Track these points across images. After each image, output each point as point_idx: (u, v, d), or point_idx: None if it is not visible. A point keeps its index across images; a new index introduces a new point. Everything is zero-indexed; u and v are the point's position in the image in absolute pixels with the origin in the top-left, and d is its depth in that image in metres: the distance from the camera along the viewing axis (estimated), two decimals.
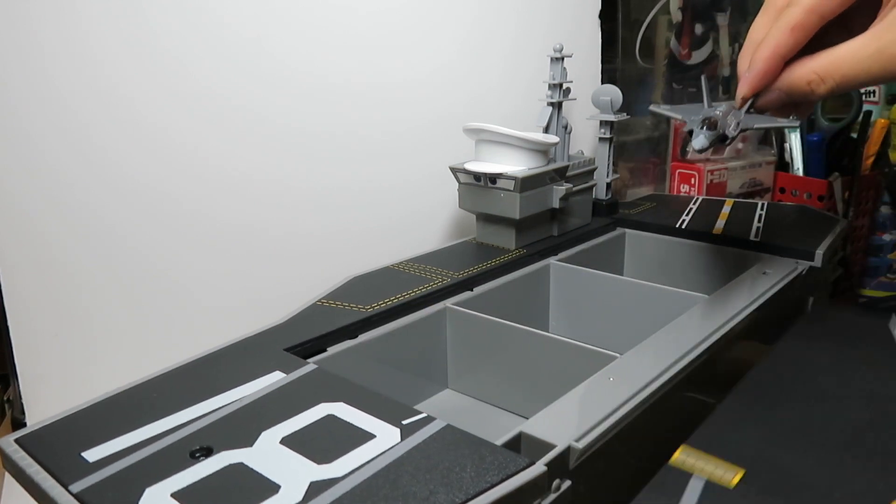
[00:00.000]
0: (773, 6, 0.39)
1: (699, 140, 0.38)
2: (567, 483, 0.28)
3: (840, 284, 0.72)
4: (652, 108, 0.45)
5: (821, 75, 0.37)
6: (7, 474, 0.29)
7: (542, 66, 0.60)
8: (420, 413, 0.30)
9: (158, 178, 0.53)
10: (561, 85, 0.59)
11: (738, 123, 0.39)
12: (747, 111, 0.40)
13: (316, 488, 0.25)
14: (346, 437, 0.28)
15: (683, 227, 0.59)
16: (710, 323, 0.39)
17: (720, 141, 0.39)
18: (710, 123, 0.39)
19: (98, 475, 0.26)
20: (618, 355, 0.37)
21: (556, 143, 0.56)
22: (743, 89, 0.39)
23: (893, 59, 0.35)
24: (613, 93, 0.62)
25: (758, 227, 0.58)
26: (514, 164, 0.53)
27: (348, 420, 0.29)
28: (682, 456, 0.33)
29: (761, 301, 0.43)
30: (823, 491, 0.31)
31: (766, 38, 0.38)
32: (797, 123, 0.41)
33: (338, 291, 0.45)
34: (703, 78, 0.47)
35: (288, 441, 0.28)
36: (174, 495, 0.25)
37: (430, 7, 0.63)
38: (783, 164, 0.77)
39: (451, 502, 0.24)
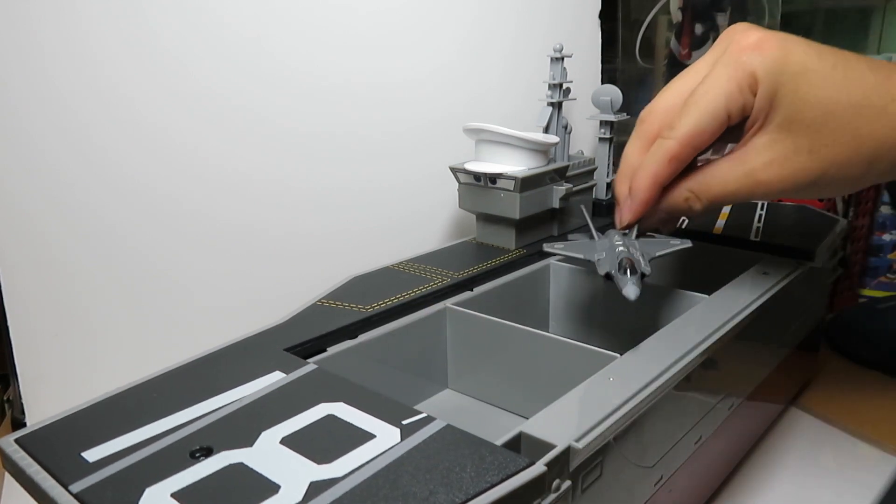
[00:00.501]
0: (644, 135, 0.41)
1: (633, 290, 0.38)
2: (567, 483, 0.28)
3: (840, 284, 0.72)
4: (545, 247, 0.46)
5: (696, 194, 0.40)
6: (7, 474, 0.29)
7: (542, 66, 0.60)
8: (420, 413, 0.30)
9: (158, 178, 0.53)
10: (561, 85, 0.59)
11: (644, 255, 0.41)
12: (637, 235, 0.43)
13: (316, 488, 0.25)
14: (346, 437, 0.28)
15: (683, 227, 0.59)
16: (710, 323, 0.39)
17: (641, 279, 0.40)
18: (630, 266, 0.39)
19: (98, 475, 0.26)
20: (618, 355, 0.37)
21: (556, 143, 0.56)
22: (626, 217, 0.42)
23: (758, 185, 0.38)
24: (613, 93, 0.62)
25: (758, 227, 0.58)
26: (514, 164, 0.53)
27: (348, 420, 0.29)
28: None
29: (761, 301, 0.43)
30: None
31: (644, 166, 0.40)
32: (689, 244, 0.43)
33: (338, 291, 0.45)
34: (582, 207, 0.48)
35: (288, 441, 0.28)
36: (174, 495, 0.25)
37: (430, 7, 0.63)
38: None
39: (451, 502, 0.24)
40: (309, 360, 0.36)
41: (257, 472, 0.26)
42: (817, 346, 0.60)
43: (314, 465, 0.26)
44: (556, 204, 0.56)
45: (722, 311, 0.41)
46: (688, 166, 0.41)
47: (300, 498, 0.24)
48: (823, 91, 0.36)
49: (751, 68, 0.37)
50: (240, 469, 0.26)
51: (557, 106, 0.60)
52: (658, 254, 0.42)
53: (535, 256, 0.54)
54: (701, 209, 0.41)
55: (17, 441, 0.29)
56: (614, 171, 0.65)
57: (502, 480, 0.25)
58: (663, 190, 0.41)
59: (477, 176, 0.54)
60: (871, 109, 0.36)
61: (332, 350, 0.39)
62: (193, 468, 0.26)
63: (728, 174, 0.39)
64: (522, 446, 0.29)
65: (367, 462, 0.26)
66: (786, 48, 0.37)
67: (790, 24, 0.82)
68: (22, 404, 0.52)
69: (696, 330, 0.39)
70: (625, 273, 0.38)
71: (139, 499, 0.25)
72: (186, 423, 0.29)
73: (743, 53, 0.37)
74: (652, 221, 0.43)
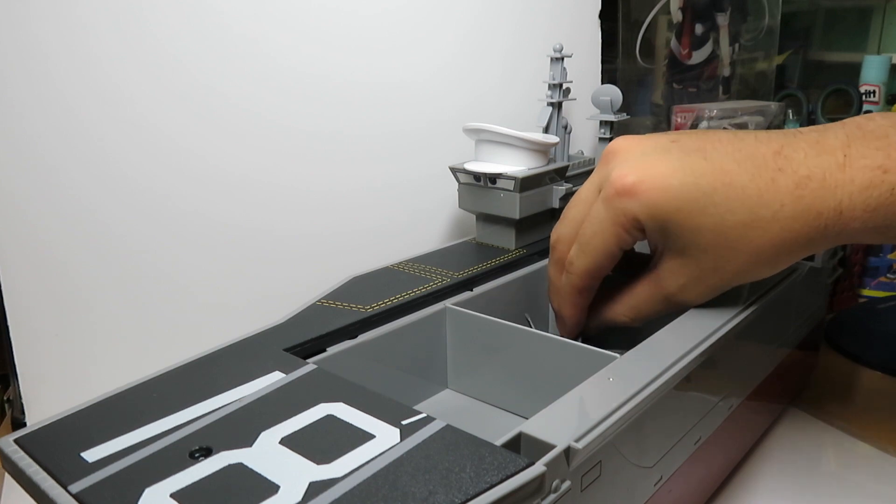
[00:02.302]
0: (556, 261, 0.44)
1: None
2: (567, 483, 0.28)
3: (840, 284, 0.72)
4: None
5: (629, 317, 0.43)
6: (7, 474, 0.29)
7: (542, 66, 0.60)
8: (420, 413, 0.30)
9: (158, 179, 0.53)
10: (561, 85, 0.59)
11: None
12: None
13: (315, 488, 0.25)
14: (346, 438, 0.28)
15: None
16: (710, 323, 0.39)
17: None
18: None
19: (97, 475, 0.26)
20: (618, 355, 0.37)
21: (556, 144, 0.56)
22: (565, 335, 0.46)
23: (680, 304, 0.41)
24: (613, 93, 0.62)
25: None
26: (514, 164, 0.53)
27: (348, 420, 0.29)
28: None
29: (761, 301, 0.43)
30: None
31: (561, 294, 0.44)
32: None
33: (338, 291, 0.45)
34: (527, 316, 0.50)
35: (287, 441, 0.28)
36: (174, 495, 0.25)
37: (430, 8, 0.63)
38: None
39: (450, 502, 0.24)
40: (308, 361, 0.36)
41: (257, 473, 0.26)
42: (817, 346, 0.60)
43: (314, 465, 0.26)
44: (556, 204, 0.56)
45: (722, 312, 0.41)
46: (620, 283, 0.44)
47: (300, 498, 0.24)
48: (709, 218, 0.37)
49: (631, 214, 0.38)
50: (239, 469, 0.26)
51: (557, 106, 0.60)
52: None
53: (535, 256, 0.54)
54: (639, 324, 0.43)
55: (16, 441, 0.29)
56: None
57: (502, 481, 0.25)
58: (602, 310, 0.44)
59: (477, 176, 0.54)
60: (760, 222, 0.36)
61: (331, 350, 0.39)
62: (193, 468, 0.26)
63: (652, 299, 0.42)
64: (522, 446, 0.29)
65: (367, 462, 0.26)
66: (662, 187, 0.37)
67: (790, 23, 0.82)
68: (22, 404, 0.52)
69: (696, 330, 0.39)
70: None
71: (138, 499, 0.25)
72: (186, 423, 0.29)
73: (620, 200, 0.38)
74: (595, 329, 0.46)
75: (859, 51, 0.82)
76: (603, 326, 0.45)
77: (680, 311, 0.42)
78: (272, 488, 0.25)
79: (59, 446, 0.28)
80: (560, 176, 0.56)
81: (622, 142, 0.41)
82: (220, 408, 0.30)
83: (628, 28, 0.78)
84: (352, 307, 0.43)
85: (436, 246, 0.55)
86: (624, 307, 0.43)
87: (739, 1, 0.78)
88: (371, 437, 0.28)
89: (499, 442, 0.28)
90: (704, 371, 0.38)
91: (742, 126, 0.74)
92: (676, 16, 0.78)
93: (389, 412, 0.30)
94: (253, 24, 0.54)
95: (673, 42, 0.78)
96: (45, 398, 0.52)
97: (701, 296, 0.41)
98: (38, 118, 0.49)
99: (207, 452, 0.27)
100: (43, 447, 0.28)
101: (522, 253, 0.54)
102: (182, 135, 0.53)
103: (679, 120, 0.75)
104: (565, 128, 0.60)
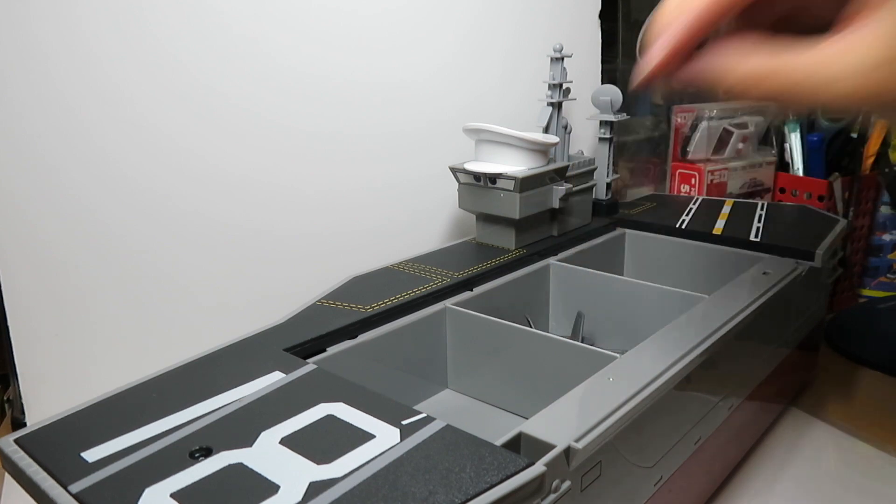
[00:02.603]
0: None
1: None
2: (567, 483, 0.28)
3: (840, 284, 0.72)
4: None
5: (743, 78, 0.27)
6: (7, 474, 0.29)
7: (542, 66, 0.60)
8: (420, 413, 0.30)
9: (158, 179, 0.53)
10: (561, 85, 0.59)
11: None
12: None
13: (315, 488, 0.25)
14: (346, 438, 0.28)
15: (683, 227, 0.59)
16: (710, 323, 0.39)
17: None
18: None
19: (97, 475, 0.26)
20: (618, 355, 0.37)
21: (556, 144, 0.56)
22: (656, 57, 0.28)
23: (839, 87, 0.25)
24: (613, 93, 0.62)
25: (758, 228, 0.58)
26: (514, 164, 0.53)
27: (348, 420, 0.29)
28: None
29: (761, 301, 0.43)
30: None
31: (681, 8, 0.27)
32: None
33: (338, 291, 0.45)
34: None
35: (287, 441, 0.28)
36: (174, 495, 0.25)
37: (430, 8, 0.63)
38: (783, 165, 0.76)
39: (450, 502, 0.24)
40: (308, 360, 0.36)
41: (257, 473, 0.26)
42: (817, 346, 0.60)
43: (314, 465, 0.26)
44: (556, 204, 0.56)
45: (722, 311, 0.41)
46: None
47: (300, 498, 0.24)
48: None
49: None
50: (239, 469, 0.26)
51: (557, 106, 0.60)
52: None
53: (535, 256, 0.54)
54: (733, 98, 0.28)
55: (16, 441, 0.29)
56: (615, 172, 0.65)
57: (502, 481, 0.25)
58: (709, 58, 0.28)
59: (477, 176, 0.54)
60: None
61: (331, 350, 0.39)
62: (193, 468, 0.26)
63: (809, 66, 0.25)
64: (522, 446, 0.29)
65: (367, 462, 0.26)
66: None
67: None
68: (22, 404, 0.52)
69: (696, 330, 0.39)
70: None
71: (139, 499, 0.25)
72: (186, 423, 0.29)
73: None
74: (677, 85, 0.29)
75: None
76: (691, 84, 0.28)
77: (841, 106, 0.24)
78: (272, 488, 0.25)
79: (59, 446, 0.28)
80: (560, 176, 0.56)
81: None
82: (220, 408, 0.30)
83: (628, 28, 0.78)
84: (352, 307, 0.43)
85: (436, 246, 0.55)
86: (747, 65, 0.27)
87: None
88: (371, 437, 0.28)
89: (499, 442, 0.28)
90: (704, 371, 0.38)
91: (742, 126, 0.74)
92: None
93: (389, 412, 0.30)
94: (253, 24, 0.54)
95: None
96: (45, 398, 0.52)
97: (885, 89, 0.24)
98: (38, 118, 0.49)
99: (207, 452, 0.27)
100: (43, 447, 0.28)
101: (522, 253, 0.54)
102: (182, 135, 0.53)
103: (679, 120, 0.75)
104: (565, 128, 0.60)
